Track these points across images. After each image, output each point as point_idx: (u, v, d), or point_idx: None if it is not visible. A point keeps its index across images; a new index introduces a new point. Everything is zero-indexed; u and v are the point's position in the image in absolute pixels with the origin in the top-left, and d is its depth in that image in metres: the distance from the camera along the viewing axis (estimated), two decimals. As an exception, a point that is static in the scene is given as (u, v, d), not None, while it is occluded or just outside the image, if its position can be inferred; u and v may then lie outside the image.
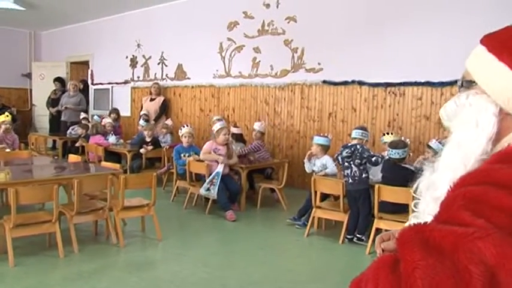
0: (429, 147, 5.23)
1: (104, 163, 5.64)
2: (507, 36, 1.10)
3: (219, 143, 6.10)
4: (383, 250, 1.25)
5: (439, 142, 5.23)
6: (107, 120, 8.72)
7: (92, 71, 11.80)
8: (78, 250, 4.30)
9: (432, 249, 0.86)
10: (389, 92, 6.65)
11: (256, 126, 6.98)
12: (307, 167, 5.60)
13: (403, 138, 5.31)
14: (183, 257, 4.33)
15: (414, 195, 1.24)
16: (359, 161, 4.78)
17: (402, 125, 6.51)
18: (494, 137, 1.07)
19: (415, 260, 0.85)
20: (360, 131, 5.09)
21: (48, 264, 4.05)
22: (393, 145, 4.74)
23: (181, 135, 6.73)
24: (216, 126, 6.21)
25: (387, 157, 5.00)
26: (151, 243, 4.74)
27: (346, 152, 4.88)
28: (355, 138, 5.04)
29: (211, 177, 5.85)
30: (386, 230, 4.71)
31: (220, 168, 5.90)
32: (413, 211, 1.25)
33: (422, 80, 6.25)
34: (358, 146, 4.88)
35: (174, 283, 3.67)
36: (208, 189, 5.85)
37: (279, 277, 3.90)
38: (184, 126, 6.82)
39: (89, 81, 11.91)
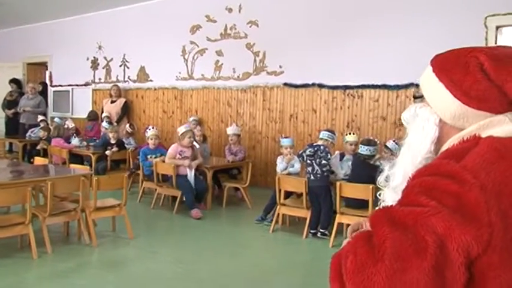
0: (386, 147, 5.59)
1: (72, 165, 5.69)
2: (446, 59, 1.42)
3: (183, 145, 6.27)
4: None
5: (396, 143, 5.62)
6: (70, 123, 8.68)
7: (50, 72, 11.65)
8: (52, 251, 4.39)
9: (397, 224, 1.14)
10: (348, 95, 7.01)
11: (230, 130, 7.16)
12: (281, 168, 5.79)
13: (374, 139, 5.61)
14: (156, 254, 4.50)
15: (379, 186, 1.56)
16: (319, 161, 5.08)
17: (360, 125, 6.89)
18: (436, 140, 1.38)
19: (384, 233, 1.14)
20: (327, 133, 5.37)
21: (23, 265, 4.11)
22: (365, 142, 5.09)
23: (148, 137, 6.85)
24: (181, 130, 6.37)
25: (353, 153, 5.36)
26: (123, 242, 4.87)
27: (310, 151, 5.16)
28: (321, 139, 5.31)
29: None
30: (348, 225, 5.06)
31: (190, 173, 6.10)
32: (379, 199, 1.56)
33: (379, 83, 6.65)
34: (322, 147, 5.16)
35: (152, 279, 3.84)
36: None
37: (249, 270, 4.14)
38: (150, 129, 6.94)
39: (48, 83, 11.74)
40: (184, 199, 6.08)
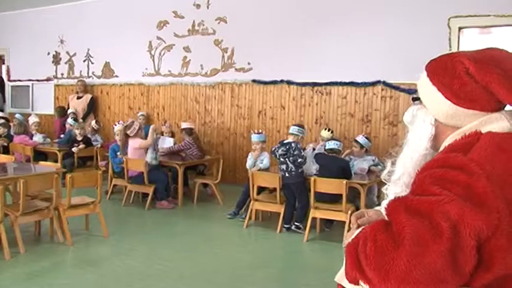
0: (356, 141, 5.76)
1: (42, 163, 5.56)
2: (437, 64, 1.57)
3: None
4: (359, 225, 1.65)
5: (366, 137, 5.81)
6: (34, 119, 8.42)
7: (8, 66, 11.25)
8: (25, 251, 4.29)
9: (414, 213, 1.25)
10: (316, 91, 7.15)
11: (184, 125, 7.14)
12: (249, 164, 5.86)
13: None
14: (133, 251, 4.47)
15: (383, 180, 1.69)
16: (293, 158, 5.18)
17: (329, 122, 7.04)
18: (433, 138, 1.54)
19: (402, 221, 1.25)
20: (297, 127, 5.46)
21: (-4, 265, 4.01)
22: (331, 138, 5.41)
23: (116, 134, 6.77)
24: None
25: (322, 148, 5.50)
26: (98, 240, 4.81)
27: (282, 150, 5.25)
28: (291, 134, 5.39)
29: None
30: (321, 219, 5.20)
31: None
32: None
33: (347, 80, 6.82)
34: (293, 145, 5.25)
35: (133, 276, 3.83)
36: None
37: (229, 265, 4.19)
38: (116, 124, 6.87)
39: (5, 78, 11.33)
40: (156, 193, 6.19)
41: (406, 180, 1.49)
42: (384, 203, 1.69)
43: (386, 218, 1.36)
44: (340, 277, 2.00)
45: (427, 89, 1.52)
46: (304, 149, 5.47)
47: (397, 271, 1.19)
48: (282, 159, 5.25)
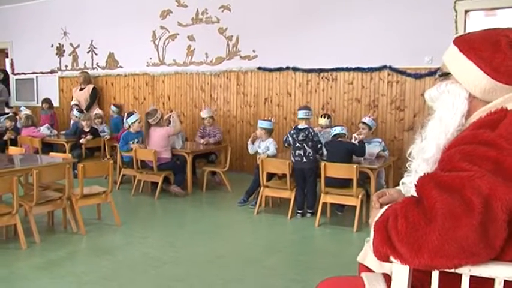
0: (364, 123, 5.78)
1: (52, 154, 5.58)
2: (473, 39, 1.55)
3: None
4: (381, 205, 1.66)
5: (372, 119, 5.85)
6: (26, 112, 8.41)
7: (12, 60, 11.24)
8: (40, 240, 4.33)
9: (444, 188, 1.27)
10: (322, 77, 7.15)
11: (205, 113, 7.19)
12: (251, 149, 5.95)
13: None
14: (147, 239, 4.52)
15: (408, 158, 1.68)
16: (311, 143, 5.20)
17: (335, 108, 7.04)
18: (466, 114, 1.53)
19: (434, 196, 1.26)
20: (305, 111, 5.43)
21: (13, 256, 4.06)
22: (336, 125, 5.40)
23: (132, 122, 6.72)
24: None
25: (324, 135, 5.56)
26: (111, 229, 4.85)
27: (302, 136, 5.25)
28: (302, 119, 5.38)
29: None
30: (332, 204, 5.23)
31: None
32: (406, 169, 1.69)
33: (353, 66, 6.81)
34: (311, 130, 5.27)
35: (148, 263, 3.87)
36: None
37: (242, 251, 4.22)
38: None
39: (9, 71, 11.33)
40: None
41: (439, 157, 1.46)
42: (407, 181, 1.70)
43: (413, 195, 1.37)
44: (362, 257, 2.03)
45: (461, 64, 1.51)
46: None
47: (430, 246, 1.22)
48: (298, 144, 5.24)
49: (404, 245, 1.27)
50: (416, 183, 1.35)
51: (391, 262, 1.38)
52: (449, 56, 1.58)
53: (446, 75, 1.59)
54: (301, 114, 5.44)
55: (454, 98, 1.52)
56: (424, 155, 1.55)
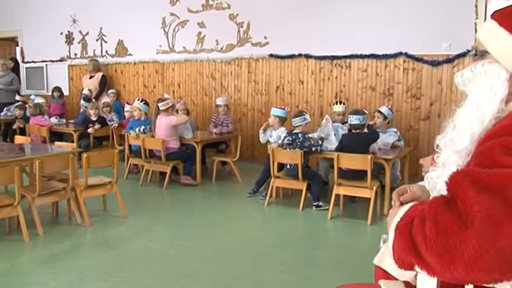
0: (380, 112, 5.55)
1: (58, 143, 5.45)
2: None
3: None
4: (401, 203, 1.44)
5: (389, 108, 5.61)
6: (39, 101, 8.33)
7: (22, 48, 11.15)
8: (43, 232, 4.21)
9: (483, 188, 1.05)
10: (335, 65, 6.91)
11: (220, 101, 7.03)
12: (262, 138, 5.76)
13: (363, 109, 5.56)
14: (153, 232, 4.37)
15: (436, 149, 1.45)
16: (299, 150, 5.00)
17: (349, 96, 6.81)
18: (506, 98, 1.28)
19: (470, 197, 1.05)
20: (298, 118, 5.20)
21: (15, 248, 3.93)
22: (354, 112, 5.06)
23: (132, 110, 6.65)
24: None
25: (341, 127, 5.32)
26: (117, 220, 4.71)
27: (288, 140, 5.09)
28: (297, 126, 5.19)
29: None
30: (345, 196, 5.03)
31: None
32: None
33: (367, 53, 6.55)
34: (299, 135, 5.08)
35: (153, 257, 3.72)
36: None
37: (252, 244, 4.06)
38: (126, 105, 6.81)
39: (19, 60, 11.25)
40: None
41: (473, 149, 1.24)
42: (434, 175, 1.47)
43: (444, 193, 1.17)
44: (380, 259, 1.82)
45: (501, 39, 1.29)
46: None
47: (465, 256, 1.02)
48: (287, 148, 5.12)
49: (433, 254, 1.07)
50: (447, 180, 1.14)
51: (415, 271, 1.18)
52: (487, 32, 1.35)
53: (482, 54, 1.37)
54: (293, 121, 5.24)
55: (492, 80, 1.29)
56: (455, 147, 1.32)
